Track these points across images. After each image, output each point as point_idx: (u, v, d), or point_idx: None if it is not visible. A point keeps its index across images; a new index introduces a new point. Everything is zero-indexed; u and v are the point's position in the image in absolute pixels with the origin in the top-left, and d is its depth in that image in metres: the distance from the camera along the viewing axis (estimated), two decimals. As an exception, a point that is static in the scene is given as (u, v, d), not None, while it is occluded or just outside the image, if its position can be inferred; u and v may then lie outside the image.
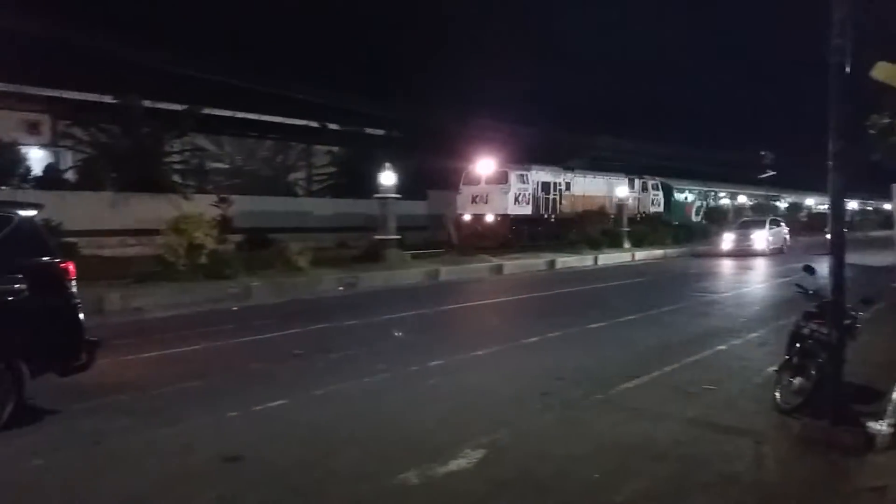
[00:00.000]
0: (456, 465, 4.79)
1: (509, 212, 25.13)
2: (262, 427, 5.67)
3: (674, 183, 35.66)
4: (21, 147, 24.66)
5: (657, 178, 34.03)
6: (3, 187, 21.76)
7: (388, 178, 18.93)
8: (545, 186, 26.92)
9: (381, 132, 32.30)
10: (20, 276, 5.47)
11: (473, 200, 25.55)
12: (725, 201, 41.97)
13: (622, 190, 29.14)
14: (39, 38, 20.95)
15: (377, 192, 19.12)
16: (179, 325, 10.78)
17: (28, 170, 24.24)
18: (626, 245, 26.54)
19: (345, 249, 20.85)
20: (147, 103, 24.64)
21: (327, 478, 4.63)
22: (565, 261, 22.21)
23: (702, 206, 38.56)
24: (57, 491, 4.42)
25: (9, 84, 24.58)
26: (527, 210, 25.99)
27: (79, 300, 5.87)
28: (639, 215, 31.59)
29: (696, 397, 6.54)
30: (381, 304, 13.24)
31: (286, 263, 15.73)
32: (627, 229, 27.54)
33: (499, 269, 19.54)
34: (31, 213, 5.85)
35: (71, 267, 5.85)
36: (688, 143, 43.51)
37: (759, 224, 28.61)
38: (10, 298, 5.39)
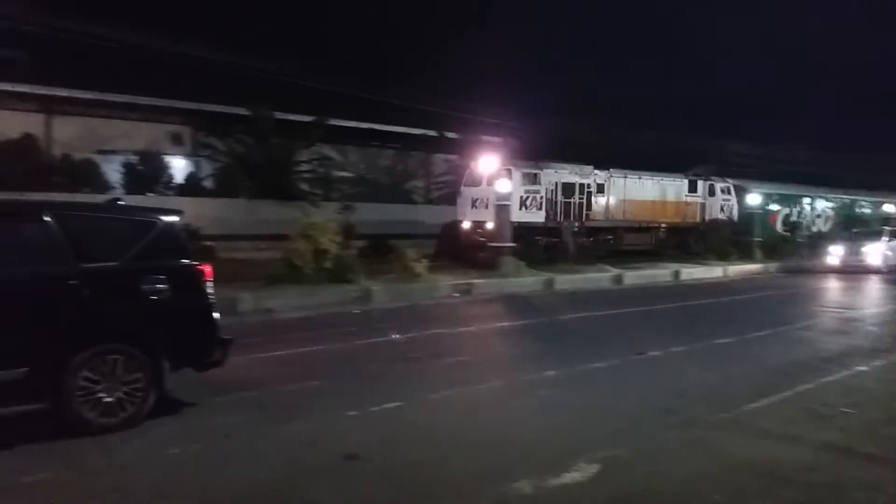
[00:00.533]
0: (570, 478, 4.72)
1: (512, 218, 20.30)
2: (378, 427, 5.83)
3: (752, 186, 29.52)
4: (165, 156, 26.84)
5: (729, 180, 28.32)
6: (149, 194, 23.73)
7: (502, 185, 18.94)
8: (567, 189, 22.27)
9: (497, 139, 32.43)
10: (162, 276, 5.90)
11: (473, 205, 21.38)
12: (859, 210, 35.28)
13: (759, 199, 26.35)
14: (182, 56, 22.59)
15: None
16: (305, 325, 11.27)
17: (171, 178, 26.34)
18: (757, 256, 24.99)
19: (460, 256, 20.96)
20: (278, 115, 26.08)
21: (441, 481, 4.69)
22: (690, 272, 21.34)
23: (792, 213, 31.71)
24: (190, 478, 4.73)
25: (155, 98, 26.77)
26: (537, 217, 21.45)
27: (215, 300, 6.26)
28: (703, 224, 26.67)
29: (832, 421, 6.09)
30: (495, 311, 13.27)
31: (404, 269, 16.09)
32: (759, 239, 25.91)
33: (619, 278, 19.08)
34: (173, 218, 6.29)
35: (208, 269, 6.23)
36: (832, 147, 39.59)
37: (874, 235, 24.46)
38: (154, 298, 5.83)
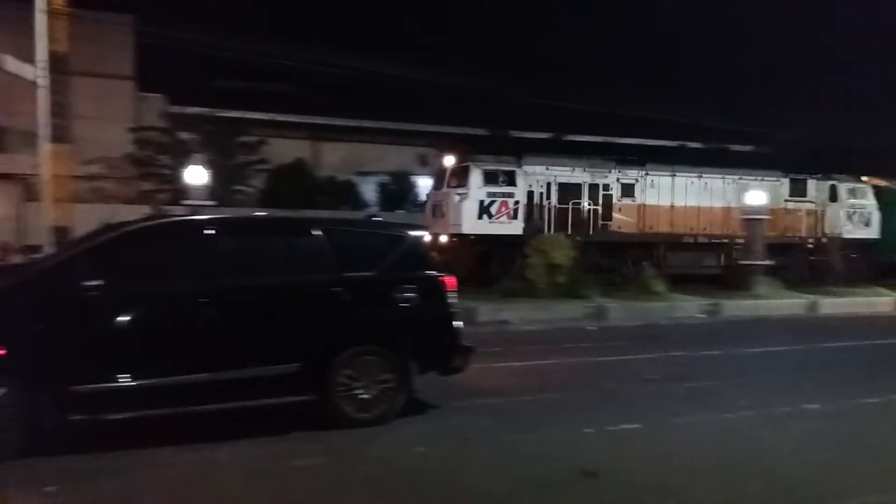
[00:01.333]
0: (836, 522, 4.20)
1: (465, 230, 16.40)
2: (617, 447, 5.67)
3: None
4: (413, 176, 28.96)
5: (861, 178, 20.72)
6: (398, 211, 25.66)
7: (756, 197, 17.49)
8: (565, 190, 17.52)
9: (748, 148, 30.21)
10: (411, 286, 6.35)
11: (434, 213, 17.72)
12: None
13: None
14: (422, 83, 24.18)
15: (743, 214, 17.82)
16: (540, 339, 11.37)
17: (418, 196, 28.32)
18: None
19: (700, 274, 19.59)
20: (515, 133, 26.85)
21: (684, 509, 4.44)
22: None
23: None
24: (434, 476, 4.97)
25: (404, 123, 29.09)
26: (510, 229, 16.77)
27: (457, 310, 6.57)
28: (815, 240, 19.82)
29: None
30: (746, 334, 12.30)
31: (641, 286, 15.59)
32: None
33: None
34: (420, 233, 6.84)
35: (451, 280, 6.59)
36: None
37: None
38: (404, 305, 6.28)
